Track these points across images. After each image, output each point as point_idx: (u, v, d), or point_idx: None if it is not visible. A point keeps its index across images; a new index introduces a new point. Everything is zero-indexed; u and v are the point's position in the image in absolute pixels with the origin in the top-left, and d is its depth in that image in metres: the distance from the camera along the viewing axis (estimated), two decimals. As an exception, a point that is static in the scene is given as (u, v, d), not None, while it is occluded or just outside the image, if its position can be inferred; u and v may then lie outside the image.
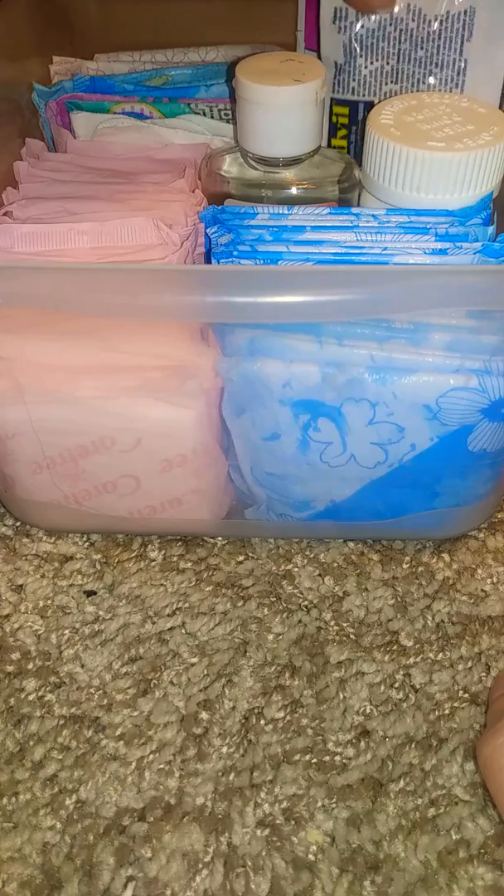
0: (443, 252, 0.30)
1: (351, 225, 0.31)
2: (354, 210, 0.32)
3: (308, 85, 0.33)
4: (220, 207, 0.32)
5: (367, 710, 0.33)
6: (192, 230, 0.34)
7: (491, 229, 0.31)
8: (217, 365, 0.31)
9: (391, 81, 0.40)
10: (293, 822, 0.30)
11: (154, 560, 0.39)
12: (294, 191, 0.36)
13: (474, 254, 0.29)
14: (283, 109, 0.33)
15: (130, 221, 0.33)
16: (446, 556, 0.39)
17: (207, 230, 0.31)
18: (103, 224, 0.33)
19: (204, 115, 0.42)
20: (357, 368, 0.30)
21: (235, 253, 0.30)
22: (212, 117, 0.42)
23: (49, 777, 0.31)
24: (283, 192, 0.36)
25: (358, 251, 0.30)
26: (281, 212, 0.32)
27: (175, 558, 0.39)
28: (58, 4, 0.48)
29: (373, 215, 0.31)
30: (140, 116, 0.42)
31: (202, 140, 0.41)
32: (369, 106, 0.40)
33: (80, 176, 0.38)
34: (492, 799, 0.30)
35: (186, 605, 0.37)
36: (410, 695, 0.33)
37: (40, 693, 0.34)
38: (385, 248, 0.30)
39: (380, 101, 0.39)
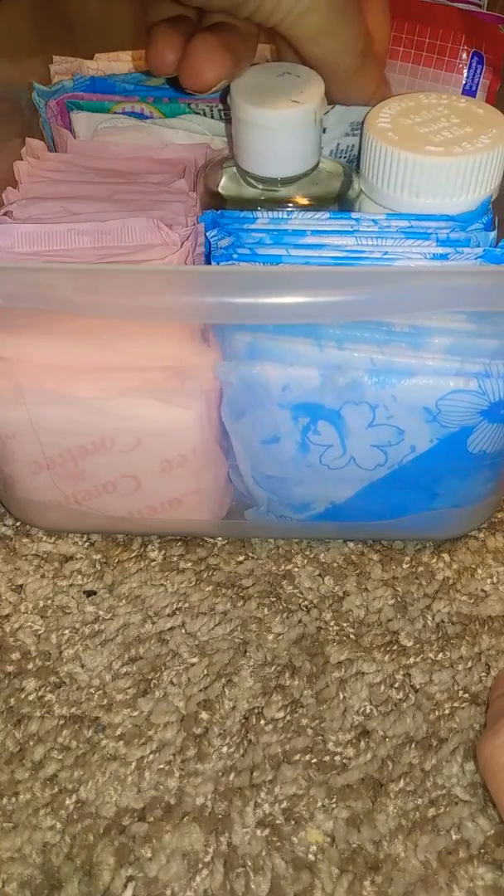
0: (444, 257, 0.30)
1: (351, 229, 0.31)
2: (355, 215, 0.32)
3: (307, 107, 0.31)
4: (219, 211, 0.32)
5: (367, 710, 0.33)
6: (193, 230, 0.34)
7: (492, 234, 0.31)
8: (216, 369, 0.31)
9: None
10: (293, 822, 0.30)
11: (154, 560, 0.39)
12: (292, 208, 0.35)
13: (476, 259, 0.29)
14: (281, 133, 0.32)
15: (130, 221, 0.33)
16: (446, 556, 0.39)
17: (207, 233, 0.31)
18: (103, 224, 0.33)
19: (204, 115, 0.41)
20: (357, 371, 0.30)
21: (235, 256, 0.30)
22: (212, 117, 0.41)
23: (49, 777, 0.31)
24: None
25: (358, 255, 0.30)
26: (281, 216, 0.32)
27: (175, 558, 0.39)
28: (58, 4, 0.48)
29: (373, 220, 0.31)
30: (140, 116, 0.41)
31: (202, 140, 0.41)
32: None
33: (80, 176, 0.38)
34: (492, 799, 0.30)
35: (186, 605, 0.37)
36: (410, 695, 0.33)
37: (40, 693, 0.34)
38: (386, 253, 0.30)
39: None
